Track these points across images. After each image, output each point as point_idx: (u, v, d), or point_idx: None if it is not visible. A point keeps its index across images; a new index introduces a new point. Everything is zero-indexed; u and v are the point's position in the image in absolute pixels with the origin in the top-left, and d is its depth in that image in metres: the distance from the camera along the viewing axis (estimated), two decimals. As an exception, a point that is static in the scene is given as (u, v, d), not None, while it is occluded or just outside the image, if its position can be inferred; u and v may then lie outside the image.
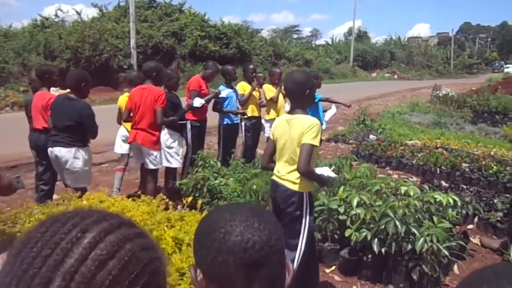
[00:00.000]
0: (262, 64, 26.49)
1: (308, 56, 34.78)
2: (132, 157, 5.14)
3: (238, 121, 5.96)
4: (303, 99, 2.82)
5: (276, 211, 2.93)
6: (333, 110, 6.28)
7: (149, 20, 24.13)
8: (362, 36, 47.78)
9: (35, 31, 20.58)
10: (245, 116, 5.98)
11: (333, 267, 3.65)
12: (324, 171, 2.88)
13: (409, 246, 3.25)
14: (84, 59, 19.06)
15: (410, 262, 3.29)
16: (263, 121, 6.50)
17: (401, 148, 7.53)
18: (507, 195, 5.19)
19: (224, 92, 5.70)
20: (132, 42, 19.43)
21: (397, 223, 3.25)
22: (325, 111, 6.16)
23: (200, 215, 3.62)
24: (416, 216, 3.47)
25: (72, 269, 0.57)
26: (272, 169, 2.99)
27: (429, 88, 21.68)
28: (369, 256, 3.47)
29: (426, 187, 4.46)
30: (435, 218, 3.48)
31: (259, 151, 7.36)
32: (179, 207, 4.30)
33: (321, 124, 5.83)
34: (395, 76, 40.32)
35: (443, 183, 5.89)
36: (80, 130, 4.01)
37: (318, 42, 57.37)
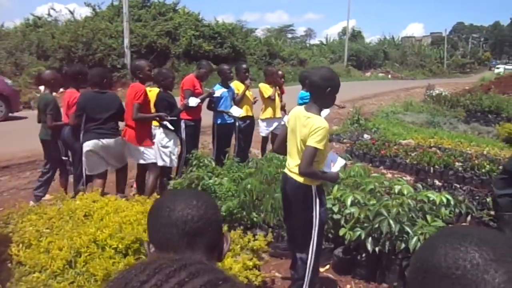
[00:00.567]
0: (256, 64, 26.48)
1: (302, 55, 34.82)
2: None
3: (232, 120, 5.95)
4: (322, 96, 2.79)
5: (286, 203, 3.01)
6: (326, 110, 6.29)
7: (142, 19, 24.01)
8: (356, 35, 47.88)
9: (28, 31, 20.42)
10: (239, 116, 5.96)
11: (327, 266, 3.66)
12: (335, 161, 2.91)
13: (403, 245, 3.27)
14: (77, 58, 18.94)
15: (404, 261, 3.30)
16: (259, 120, 6.51)
17: (395, 147, 7.56)
18: (500, 193, 5.22)
19: (218, 91, 5.69)
20: (126, 41, 19.34)
21: (391, 222, 3.26)
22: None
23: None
24: (410, 215, 3.49)
25: None
26: (281, 153, 3.03)
27: (422, 88, 21.79)
28: (363, 255, 3.49)
29: (420, 186, 4.48)
30: (428, 217, 3.50)
31: (253, 150, 7.36)
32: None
33: None
34: (389, 76, 40.47)
35: (437, 182, 5.93)
36: (118, 118, 4.59)
37: (312, 41, 57.57)
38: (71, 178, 5.01)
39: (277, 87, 6.46)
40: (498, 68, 44.66)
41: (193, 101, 5.27)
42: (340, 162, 2.96)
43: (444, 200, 3.72)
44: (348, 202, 3.55)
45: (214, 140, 6.03)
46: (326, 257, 3.70)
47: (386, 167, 7.09)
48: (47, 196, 5.19)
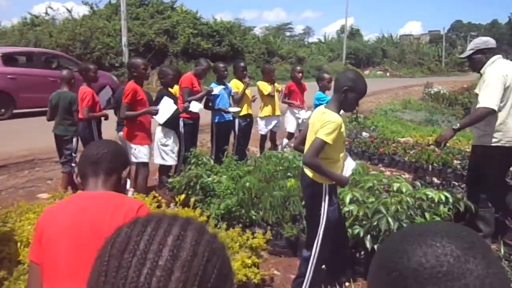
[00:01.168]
0: (255, 62, 26.45)
1: (301, 53, 34.79)
2: None
3: (231, 118, 5.95)
4: (340, 95, 2.78)
5: (303, 198, 3.10)
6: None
7: (140, 17, 23.96)
8: (354, 33, 47.86)
9: (25, 29, 20.36)
10: (238, 111, 5.95)
11: (326, 264, 3.66)
12: (348, 164, 2.93)
13: (402, 243, 3.27)
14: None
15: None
16: (257, 118, 6.50)
17: (393, 145, 7.56)
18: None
19: (217, 89, 5.69)
20: (124, 40, 19.28)
21: (390, 219, 3.26)
22: None
23: (193, 213, 3.61)
24: (408, 213, 3.49)
25: (187, 260, 0.61)
26: (301, 151, 3.07)
27: (421, 86, 21.81)
28: (362, 252, 3.48)
29: (418, 183, 4.49)
30: (427, 215, 3.50)
31: (252, 148, 7.36)
32: (172, 205, 4.28)
33: None
34: (388, 74, 40.46)
35: (435, 180, 5.93)
36: None
37: (310, 39, 57.44)
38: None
39: (275, 84, 6.46)
40: None
41: (195, 107, 5.27)
42: (351, 164, 2.96)
43: (443, 198, 3.72)
44: (347, 199, 3.55)
45: (212, 138, 6.02)
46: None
47: (384, 165, 7.09)
48: (45, 195, 5.19)
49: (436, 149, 6.33)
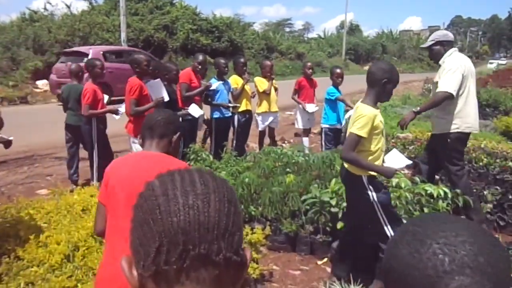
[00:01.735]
0: (254, 58, 26.41)
1: (300, 49, 34.73)
2: None
3: (230, 114, 5.94)
4: (378, 87, 2.78)
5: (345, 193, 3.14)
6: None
7: (140, 13, 23.88)
8: (354, 29, 47.79)
9: (24, 25, 20.23)
10: (237, 107, 5.94)
11: (325, 259, 3.67)
12: (395, 158, 2.94)
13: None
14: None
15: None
16: (255, 114, 6.49)
17: (392, 140, 7.56)
18: (497, 187, 5.24)
19: (215, 84, 5.67)
20: (123, 35, 19.21)
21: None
22: (347, 110, 6.12)
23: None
24: (407, 208, 3.50)
25: (215, 187, 0.71)
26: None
27: (420, 81, 21.78)
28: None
29: (417, 179, 4.48)
30: (426, 210, 3.51)
31: (251, 144, 7.36)
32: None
33: (340, 122, 5.85)
34: (387, 70, 40.38)
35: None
36: None
37: (310, 35, 57.43)
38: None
39: (273, 81, 6.44)
40: (491, 63, 44.35)
41: (195, 112, 5.26)
42: (395, 157, 2.96)
43: (442, 193, 3.73)
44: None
45: (211, 134, 6.02)
46: (324, 250, 3.71)
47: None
48: (44, 191, 5.19)
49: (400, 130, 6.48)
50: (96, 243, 2.84)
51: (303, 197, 3.90)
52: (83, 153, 5.42)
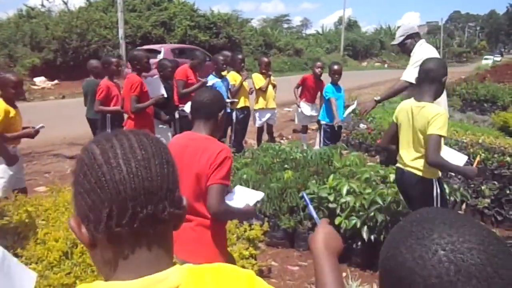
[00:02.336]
0: (252, 54, 26.37)
1: (298, 45, 34.69)
2: None
3: (228, 110, 5.92)
4: (437, 84, 2.73)
5: (405, 197, 3.03)
6: (353, 105, 6.06)
7: (137, 9, 23.80)
8: (352, 25, 47.75)
9: (21, 22, 20.14)
10: (235, 103, 5.92)
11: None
12: (451, 156, 2.88)
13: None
14: (71, 50, 18.76)
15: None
16: (253, 111, 6.49)
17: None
18: (495, 182, 5.26)
19: (211, 81, 5.65)
20: (121, 32, 19.15)
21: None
22: (347, 106, 6.08)
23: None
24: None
25: (154, 151, 0.76)
26: (392, 151, 3.03)
27: (418, 77, 21.74)
28: (359, 243, 3.50)
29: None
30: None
31: (249, 141, 7.36)
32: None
33: (340, 118, 5.76)
34: (386, 65, 40.43)
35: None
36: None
37: (308, 31, 57.34)
38: None
39: (271, 78, 6.43)
40: (486, 59, 43.94)
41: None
42: (461, 157, 2.93)
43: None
44: (344, 191, 3.56)
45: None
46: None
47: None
48: (42, 188, 5.19)
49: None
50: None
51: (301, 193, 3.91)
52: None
